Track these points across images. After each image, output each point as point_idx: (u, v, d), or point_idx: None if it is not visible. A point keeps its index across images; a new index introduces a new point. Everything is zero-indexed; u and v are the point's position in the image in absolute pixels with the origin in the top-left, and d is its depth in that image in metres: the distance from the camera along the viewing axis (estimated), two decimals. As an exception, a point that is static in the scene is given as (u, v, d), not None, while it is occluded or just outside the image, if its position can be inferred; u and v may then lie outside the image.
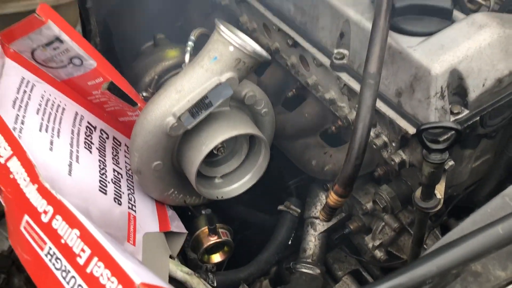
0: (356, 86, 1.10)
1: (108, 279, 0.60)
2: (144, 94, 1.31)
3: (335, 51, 1.12)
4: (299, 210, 1.44)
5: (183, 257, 1.32)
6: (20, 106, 1.06)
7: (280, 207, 1.45)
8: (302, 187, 1.51)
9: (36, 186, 0.73)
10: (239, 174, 1.28)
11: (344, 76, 1.13)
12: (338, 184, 0.93)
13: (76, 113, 1.21)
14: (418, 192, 0.99)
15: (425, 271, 0.59)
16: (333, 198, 0.95)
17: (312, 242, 1.40)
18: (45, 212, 0.70)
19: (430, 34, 0.97)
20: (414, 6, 0.99)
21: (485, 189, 1.22)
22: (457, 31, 0.95)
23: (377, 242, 1.30)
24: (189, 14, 1.92)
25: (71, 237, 0.66)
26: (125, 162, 1.26)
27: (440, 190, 0.99)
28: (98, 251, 0.63)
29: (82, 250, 0.64)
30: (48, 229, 0.68)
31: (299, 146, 1.41)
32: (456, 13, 1.03)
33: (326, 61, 1.17)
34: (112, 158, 1.23)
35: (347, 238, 1.42)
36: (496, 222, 0.63)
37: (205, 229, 1.28)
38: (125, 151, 1.30)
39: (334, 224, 1.40)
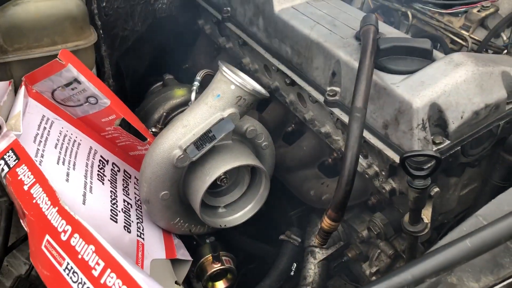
0: (348, 120, 1.19)
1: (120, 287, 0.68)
2: (153, 129, 1.41)
3: (328, 88, 1.22)
4: (299, 240, 1.50)
5: (189, 287, 1.38)
6: (40, 141, 1.17)
7: (282, 237, 1.52)
8: (303, 217, 1.58)
9: (56, 208, 0.82)
10: (241, 203, 1.36)
11: (337, 111, 1.22)
12: (331, 209, 1.01)
13: (91, 148, 1.31)
14: (406, 217, 1.07)
15: (401, 279, 0.66)
16: (326, 222, 1.02)
17: (312, 270, 1.45)
18: (64, 231, 0.78)
19: (412, 72, 1.07)
20: (397, 47, 1.10)
21: (474, 216, 1.28)
22: (436, 69, 1.05)
23: (374, 269, 1.35)
24: (196, 56, 2.06)
25: (87, 252, 0.74)
26: (135, 193, 1.35)
27: (427, 215, 1.07)
28: (111, 263, 0.71)
29: (97, 263, 0.72)
30: (66, 246, 0.77)
31: (299, 178, 1.50)
32: (436, 53, 1.13)
33: (320, 98, 1.27)
34: (123, 189, 1.32)
35: (346, 266, 1.48)
36: (465, 237, 0.70)
37: (209, 256, 1.35)
38: (134, 183, 1.39)
39: (333, 252, 1.47)
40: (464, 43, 1.33)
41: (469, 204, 1.30)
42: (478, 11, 1.35)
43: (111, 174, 1.33)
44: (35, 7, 1.16)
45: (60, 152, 1.20)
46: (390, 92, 1.05)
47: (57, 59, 1.14)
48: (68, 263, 0.76)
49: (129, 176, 1.40)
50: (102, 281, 0.70)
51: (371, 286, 0.66)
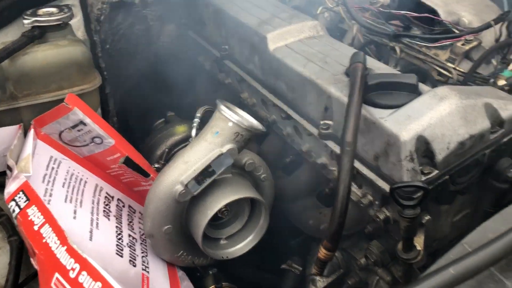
0: (341, 152, 1.24)
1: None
2: (156, 165, 1.47)
3: (321, 122, 1.28)
4: (300, 268, 1.54)
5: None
6: (49, 181, 1.23)
7: (283, 266, 1.56)
8: (303, 246, 1.62)
9: (65, 247, 0.88)
10: (242, 235, 1.40)
11: (331, 144, 1.28)
12: (326, 239, 1.05)
13: (96, 185, 1.37)
14: (400, 245, 1.11)
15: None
16: (322, 252, 1.07)
17: (314, 298, 1.48)
18: (73, 269, 0.83)
19: (398, 106, 1.12)
20: (384, 83, 1.16)
21: (468, 241, 1.32)
22: (421, 103, 1.11)
23: (374, 296, 1.38)
24: (196, 92, 2.14)
25: (94, 287, 0.79)
26: (139, 228, 1.40)
27: (419, 243, 1.11)
28: (117, 299, 0.76)
29: (104, 299, 0.77)
30: (75, 283, 0.82)
31: (298, 208, 1.54)
32: (422, 86, 1.19)
33: (315, 131, 1.33)
34: (128, 224, 1.37)
35: (347, 294, 1.51)
36: (449, 265, 0.75)
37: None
38: (139, 218, 1.44)
39: (333, 280, 1.49)
40: (450, 75, 1.39)
41: (463, 229, 1.33)
42: (462, 44, 1.41)
43: (116, 210, 1.38)
44: (43, 56, 1.24)
45: (67, 191, 1.26)
46: (378, 126, 1.11)
47: (64, 103, 1.21)
48: (76, 300, 0.81)
49: (133, 211, 1.45)
50: (108, 316, 0.75)
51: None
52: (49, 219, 0.96)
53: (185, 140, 1.53)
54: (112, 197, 1.39)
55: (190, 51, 2.06)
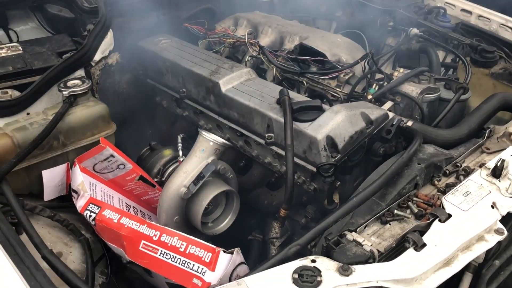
0: (281, 152, 1.98)
1: (199, 251, 1.37)
2: (156, 179, 2.09)
3: (266, 135, 2.00)
4: (261, 236, 2.24)
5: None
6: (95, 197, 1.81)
7: (249, 237, 2.25)
8: (261, 222, 2.32)
9: (145, 225, 1.49)
10: (223, 217, 2.08)
11: (274, 148, 2.01)
12: (284, 203, 1.78)
13: (119, 198, 1.96)
14: (325, 202, 1.87)
15: (328, 221, 1.44)
16: (283, 212, 1.79)
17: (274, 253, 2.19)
18: (155, 235, 1.45)
19: (313, 120, 1.88)
20: (303, 106, 1.92)
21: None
22: (326, 116, 1.88)
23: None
24: (157, 123, 2.75)
25: (173, 240, 1.42)
26: (152, 224, 2.01)
27: (336, 199, 1.88)
28: (190, 241, 1.40)
29: (182, 244, 1.40)
30: (159, 242, 1.44)
31: (254, 195, 2.25)
32: (325, 106, 1.96)
33: (262, 141, 2.05)
34: (144, 222, 1.97)
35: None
36: (352, 197, 1.51)
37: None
38: (148, 218, 2.05)
39: (285, 239, 2.22)
40: (338, 95, 2.20)
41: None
42: (343, 75, 2.23)
43: (133, 213, 1.98)
44: (80, 114, 1.82)
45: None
46: (304, 133, 1.86)
47: (100, 144, 1.81)
48: (161, 250, 1.43)
49: (144, 213, 2.06)
50: (187, 251, 1.38)
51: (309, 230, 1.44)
52: (124, 214, 1.57)
53: (173, 159, 2.17)
54: (130, 205, 2.00)
55: (146, 93, 2.66)
